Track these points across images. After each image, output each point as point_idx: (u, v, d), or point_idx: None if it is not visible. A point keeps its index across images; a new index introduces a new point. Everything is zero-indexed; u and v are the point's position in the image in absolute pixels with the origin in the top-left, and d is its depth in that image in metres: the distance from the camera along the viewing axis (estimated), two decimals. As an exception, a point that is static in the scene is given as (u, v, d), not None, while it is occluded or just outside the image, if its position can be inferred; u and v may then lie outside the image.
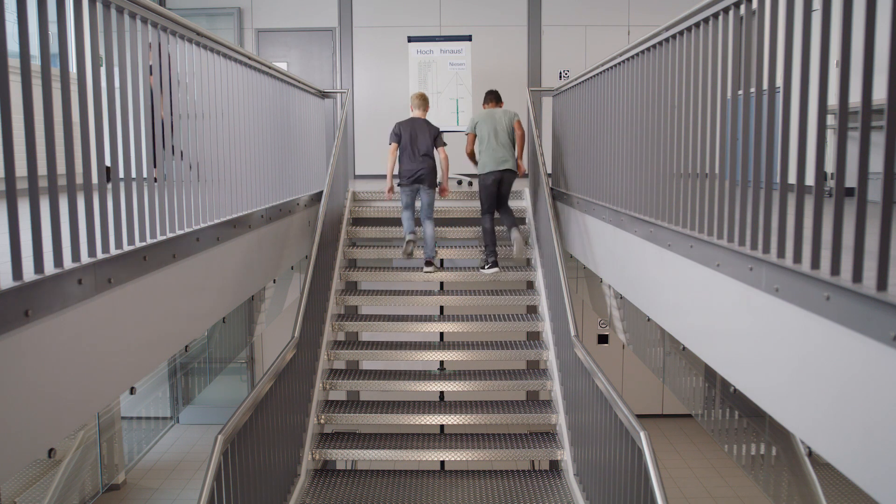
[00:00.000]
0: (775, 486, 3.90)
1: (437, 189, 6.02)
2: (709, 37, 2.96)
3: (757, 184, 2.56)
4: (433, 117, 7.80)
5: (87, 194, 2.47)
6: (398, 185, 6.01)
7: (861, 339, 1.81)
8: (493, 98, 6.23)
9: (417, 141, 5.89)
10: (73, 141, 2.34)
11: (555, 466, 5.05)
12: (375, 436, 5.08)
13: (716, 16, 2.87)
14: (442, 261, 6.49)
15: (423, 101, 6.09)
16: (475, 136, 6.03)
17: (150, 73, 3.04)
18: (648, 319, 3.94)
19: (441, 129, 7.82)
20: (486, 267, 5.97)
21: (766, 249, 2.43)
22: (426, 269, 5.95)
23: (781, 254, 2.31)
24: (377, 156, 9.38)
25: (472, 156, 6.13)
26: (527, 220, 6.52)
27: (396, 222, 6.47)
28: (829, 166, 3.81)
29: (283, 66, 8.11)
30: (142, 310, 2.80)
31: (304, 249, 5.84)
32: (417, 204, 6.05)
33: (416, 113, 6.05)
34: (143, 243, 2.83)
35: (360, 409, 5.27)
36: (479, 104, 8.81)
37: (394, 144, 5.94)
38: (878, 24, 1.82)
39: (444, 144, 5.98)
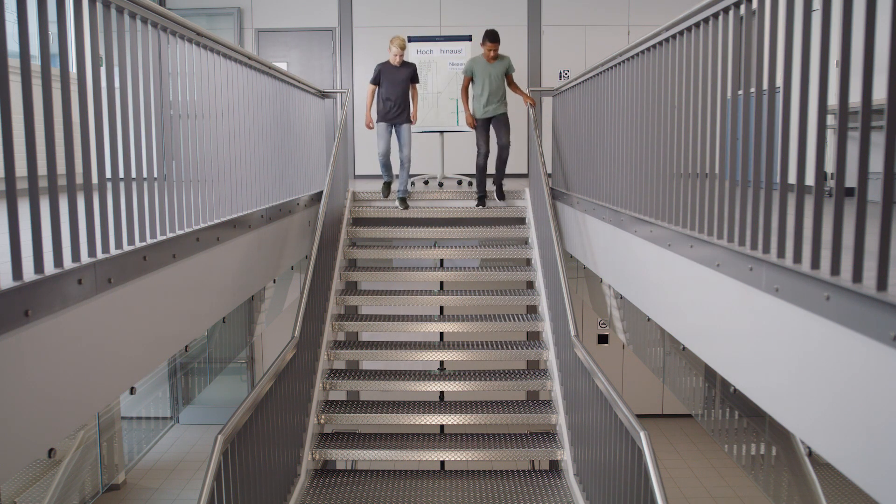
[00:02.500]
0: (775, 486, 3.89)
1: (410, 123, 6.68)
2: (709, 37, 2.96)
3: (757, 184, 2.56)
4: (434, 118, 7.81)
5: (87, 194, 2.47)
6: (377, 120, 6.72)
7: (861, 339, 1.81)
8: (489, 39, 6.41)
9: (396, 80, 6.59)
10: (73, 141, 2.34)
11: (555, 466, 5.05)
12: (375, 436, 5.08)
13: (716, 16, 2.87)
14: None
15: (399, 46, 6.49)
16: (471, 79, 6.53)
17: None
18: (648, 319, 3.94)
19: (443, 130, 7.84)
20: (476, 205, 6.63)
21: (766, 249, 2.43)
22: (398, 205, 6.64)
23: (781, 254, 2.31)
24: (377, 156, 9.37)
25: (465, 93, 6.61)
26: (527, 220, 6.52)
27: (397, 222, 6.47)
28: (829, 166, 3.81)
29: (283, 66, 8.11)
30: (142, 310, 2.80)
31: (304, 249, 5.84)
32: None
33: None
34: (143, 243, 2.83)
35: (360, 409, 5.26)
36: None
37: (372, 85, 6.74)
38: (878, 24, 1.82)
39: (418, 82, 6.73)
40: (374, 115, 6.62)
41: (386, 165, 6.75)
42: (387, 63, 6.50)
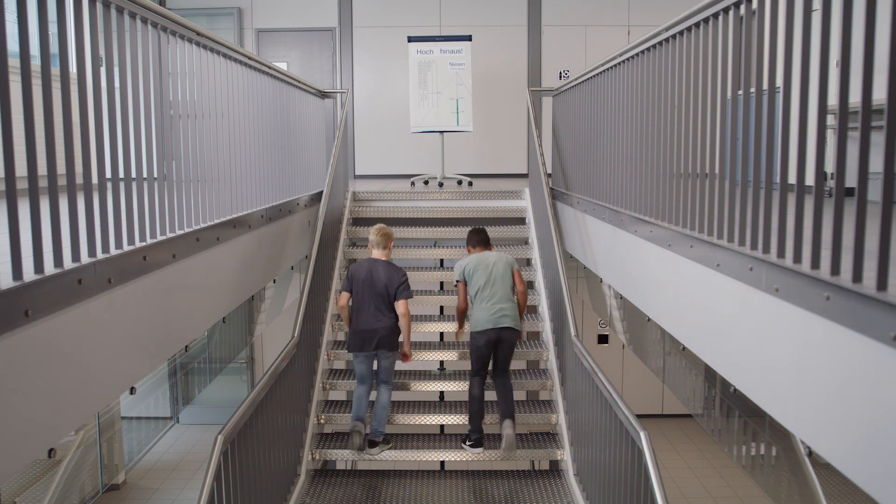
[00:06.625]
0: (775, 486, 3.90)
1: (397, 353, 4.79)
2: (709, 37, 2.96)
3: (757, 184, 2.56)
4: (434, 118, 7.81)
5: (87, 194, 2.47)
6: (347, 349, 4.90)
7: (861, 339, 1.81)
8: (480, 241, 4.96)
9: (375, 291, 4.63)
10: (73, 141, 2.34)
11: (555, 466, 5.05)
12: (375, 436, 5.07)
13: (716, 16, 2.87)
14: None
15: (383, 237, 4.76)
16: (466, 284, 4.79)
17: None
18: (648, 319, 3.94)
19: (443, 130, 7.81)
20: (467, 444, 4.79)
21: (766, 249, 2.43)
22: (369, 451, 4.66)
23: (781, 254, 2.31)
24: (377, 156, 9.40)
25: (463, 312, 4.89)
26: (527, 220, 6.52)
27: (397, 222, 6.46)
28: (829, 166, 3.81)
29: (283, 66, 8.11)
30: (142, 310, 2.80)
31: (304, 249, 5.84)
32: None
33: (376, 253, 4.77)
34: (143, 243, 2.83)
35: (360, 409, 5.26)
36: (478, 104, 8.82)
37: (344, 294, 4.73)
38: (878, 24, 1.82)
39: (409, 297, 4.68)
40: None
41: (359, 402, 4.69)
42: (363, 262, 4.75)
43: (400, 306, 4.66)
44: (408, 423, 5.16)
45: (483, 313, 4.68)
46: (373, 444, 4.71)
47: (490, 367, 4.84)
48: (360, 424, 4.64)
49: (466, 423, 4.95)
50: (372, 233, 4.82)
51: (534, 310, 6.02)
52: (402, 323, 4.71)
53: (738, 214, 2.67)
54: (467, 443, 4.83)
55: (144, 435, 6.33)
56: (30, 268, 2.10)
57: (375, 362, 4.75)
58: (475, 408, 4.80)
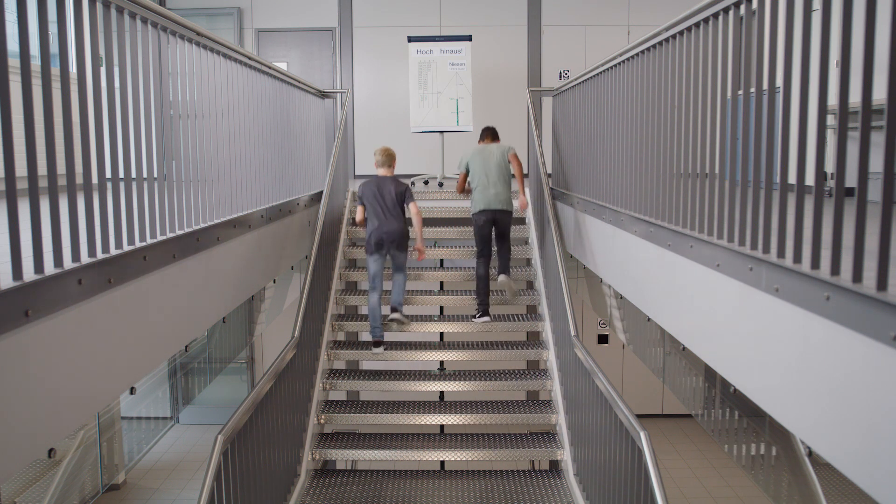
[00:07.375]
0: (775, 486, 3.90)
1: (408, 252, 5.42)
2: (709, 37, 2.96)
3: (757, 184, 2.56)
4: (434, 118, 7.81)
5: (87, 194, 2.47)
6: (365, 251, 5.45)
7: (861, 339, 1.81)
8: (488, 134, 5.85)
9: (384, 201, 5.29)
10: (73, 141, 2.34)
11: (555, 466, 5.05)
12: (375, 436, 5.08)
13: (716, 16, 2.87)
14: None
15: (387, 157, 5.45)
16: (467, 173, 5.66)
17: None
18: (648, 319, 3.94)
19: (443, 130, 7.82)
20: (477, 315, 5.64)
21: (766, 249, 2.43)
22: (392, 315, 5.36)
23: (781, 254, 2.31)
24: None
25: (463, 190, 5.78)
26: (527, 220, 6.52)
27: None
28: (829, 166, 3.81)
29: (283, 66, 8.11)
30: (142, 310, 2.80)
31: (304, 249, 5.84)
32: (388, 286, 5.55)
33: (381, 171, 5.46)
34: (143, 243, 2.83)
35: (360, 409, 5.27)
36: (478, 104, 8.82)
37: (360, 208, 5.40)
38: (878, 24, 1.82)
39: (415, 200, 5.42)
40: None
41: (374, 313, 5.37)
42: (370, 180, 5.41)
43: (412, 207, 5.35)
44: (408, 423, 5.17)
45: (479, 195, 5.52)
46: (394, 311, 5.37)
47: (494, 248, 5.63)
48: (379, 331, 5.31)
49: (466, 423, 4.97)
50: (377, 153, 5.46)
51: (534, 310, 6.02)
52: (415, 221, 5.38)
53: (737, 214, 2.67)
54: (476, 317, 5.61)
55: (144, 435, 6.33)
56: (30, 268, 2.10)
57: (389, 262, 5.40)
58: (481, 285, 5.60)
